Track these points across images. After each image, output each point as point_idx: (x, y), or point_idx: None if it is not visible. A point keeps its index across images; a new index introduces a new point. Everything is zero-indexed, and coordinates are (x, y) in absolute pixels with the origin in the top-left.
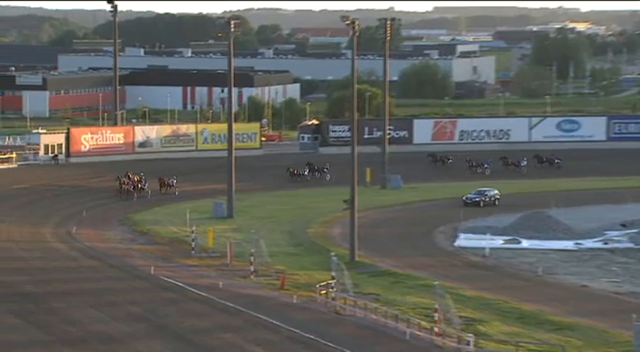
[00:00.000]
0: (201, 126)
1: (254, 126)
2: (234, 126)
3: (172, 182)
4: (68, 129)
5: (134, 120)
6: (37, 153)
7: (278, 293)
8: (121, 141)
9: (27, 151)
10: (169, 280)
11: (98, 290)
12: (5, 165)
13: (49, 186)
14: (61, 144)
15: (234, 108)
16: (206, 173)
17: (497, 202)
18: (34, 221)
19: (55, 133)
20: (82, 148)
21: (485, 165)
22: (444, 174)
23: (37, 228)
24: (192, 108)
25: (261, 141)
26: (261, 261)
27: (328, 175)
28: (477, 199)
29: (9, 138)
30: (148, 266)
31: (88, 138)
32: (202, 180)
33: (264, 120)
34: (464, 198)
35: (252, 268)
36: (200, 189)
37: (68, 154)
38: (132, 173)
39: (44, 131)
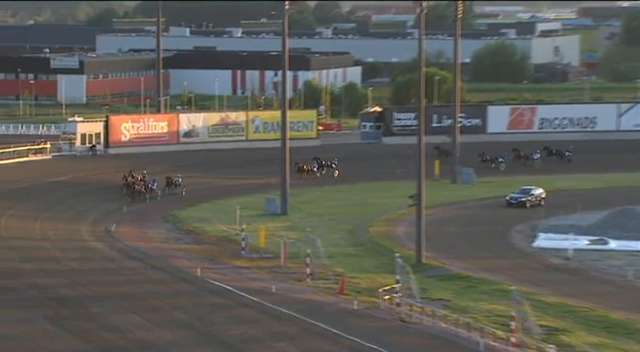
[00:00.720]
0: (252, 114)
1: (310, 114)
2: (288, 113)
3: (177, 180)
4: (107, 117)
5: (179, 107)
6: (73, 143)
7: (337, 299)
8: (165, 131)
9: (62, 141)
10: (217, 283)
11: (140, 294)
12: (39, 157)
13: (86, 180)
14: (99, 134)
15: (289, 94)
16: (257, 165)
17: (542, 202)
18: (70, 218)
19: (92, 121)
20: (122, 138)
21: (500, 160)
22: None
23: (73, 225)
24: (243, 93)
25: (319, 130)
26: (318, 262)
27: (336, 171)
28: (523, 199)
29: (43, 127)
30: (194, 267)
31: (128, 127)
32: (253, 173)
33: (322, 107)
34: (507, 198)
35: (308, 270)
36: (251, 184)
37: (107, 144)
38: (135, 171)
39: (81, 119)
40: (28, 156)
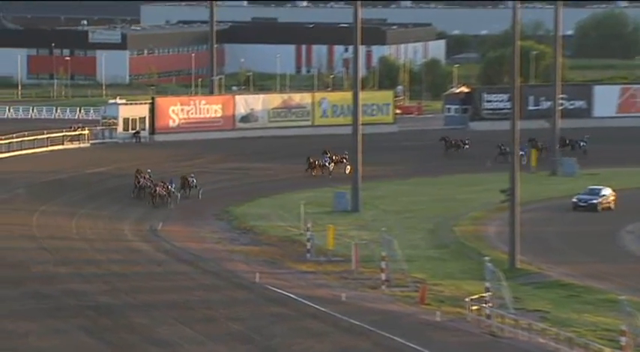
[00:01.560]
0: (319, 96)
1: (386, 96)
2: (360, 95)
3: (192, 181)
4: (153, 99)
5: (235, 88)
6: (115, 129)
7: (417, 309)
8: (219, 115)
9: (102, 127)
10: (279, 290)
11: (190, 303)
12: (75, 145)
13: (129, 171)
14: (144, 118)
15: (361, 72)
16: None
17: (612, 204)
18: (111, 215)
19: (136, 104)
20: (170, 123)
21: (522, 153)
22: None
23: (114, 223)
24: (308, 72)
25: (396, 114)
26: (395, 267)
27: (348, 166)
28: (594, 201)
29: (80, 111)
30: (252, 272)
31: (177, 111)
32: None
33: (400, 88)
34: (574, 199)
35: (383, 276)
36: (317, 176)
37: (153, 131)
38: (142, 171)
39: (123, 101)
40: (63, 144)
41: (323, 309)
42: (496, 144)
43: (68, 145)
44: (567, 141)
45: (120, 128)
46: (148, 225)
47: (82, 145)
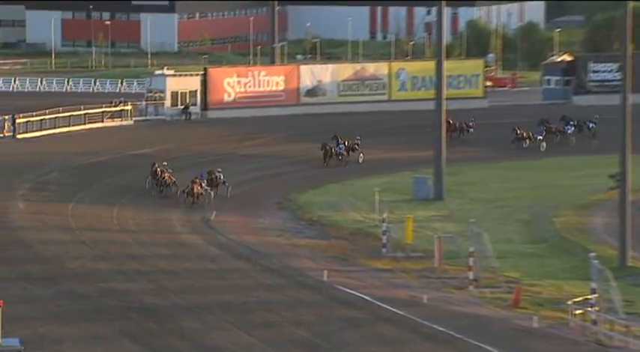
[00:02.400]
0: (396, 66)
1: (475, 65)
2: (445, 64)
3: (220, 177)
4: (205, 69)
5: (299, 57)
6: (162, 104)
7: (510, 313)
8: (281, 88)
9: (147, 102)
10: (350, 291)
11: (247, 305)
12: (117, 122)
13: (178, 153)
14: (195, 92)
15: (446, 38)
16: (403, 134)
17: None
18: (157, 203)
19: (186, 76)
20: (225, 97)
21: (539, 137)
22: None
23: (161, 213)
24: (384, 38)
25: (486, 87)
26: (485, 264)
27: (361, 155)
28: None
29: (122, 84)
30: (319, 269)
31: (233, 83)
32: (398, 144)
33: (491, 56)
34: None
35: (471, 275)
36: (394, 158)
37: (205, 106)
38: (160, 165)
39: (171, 73)
40: (103, 122)
41: (401, 313)
42: (512, 127)
43: (108, 123)
44: (573, 123)
45: (167, 103)
46: (200, 215)
47: (124, 123)
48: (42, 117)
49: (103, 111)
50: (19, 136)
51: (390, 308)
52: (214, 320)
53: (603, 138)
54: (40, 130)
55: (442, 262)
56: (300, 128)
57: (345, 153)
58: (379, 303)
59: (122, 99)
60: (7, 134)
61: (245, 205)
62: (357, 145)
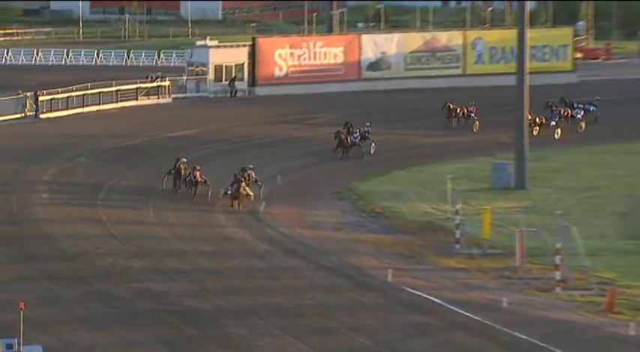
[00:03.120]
0: (472, 35)
1: (563, 35)
2: (528, 34)
3: (251, 173)
4: (254, 39)
5: (361, 25)
6: (204, 79)
7: (603, 319)
8: (339, 61)
9: (187, 77)
10: (418, 293)
11: (301, 308)
12: (153, 100)
13: (222, 134)
14: (242, 65)
15: (530, 3)
16: (481, 113)
17: None
18: (200, 192)
19: (232, 47)
20: (276, 72)
21: (552, 122)
22: None
23: (203, 203)
24: (458, 4)
25: (576, 59)
26: (575, 263)
27: (373, 144)
28: None
29: (159, 56)
30: (383, 268)
31: (284, 55)
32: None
33: (581, 24)
34: None
35: (558, 275)
36: (469, 141)
37: (253, 82)
38: (181, 162)
39: (214, 43)
40: (137, 100)
41: (477, 318)
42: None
43: (143, 101)
44: (573, 104)
45: (211, 78)
46: (247, 207)
47: (161, 101)
48: (68, 95)
49: (137, 88)
50: (42, 116)
51: (465, 313)
52: (263, 326)
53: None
54: (66, 109)
55: (524, 260)
56: (361, 106)
57: (360, 143)
58: (452, 307)
59: (159, 73)
60: (28, 113)
61: (299, 195)
62: (368, 133)
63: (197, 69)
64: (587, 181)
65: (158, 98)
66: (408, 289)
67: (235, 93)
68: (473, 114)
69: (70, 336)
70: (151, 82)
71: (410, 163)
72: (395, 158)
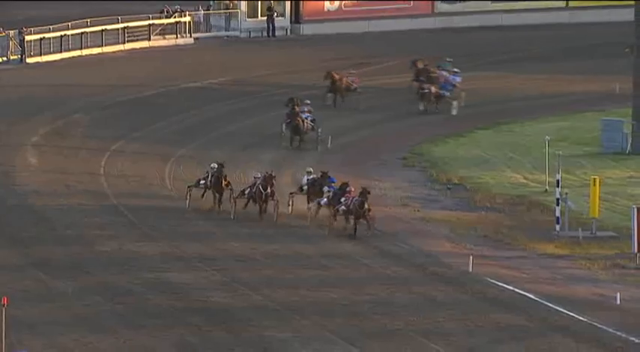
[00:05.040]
0: None
1: None
2: None
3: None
4: None
5: None
6: (235, 14)
7: None
8: None
9: (212, 11)
10: (507, 286)
11: (358, 306)
12: (170, 41)
13: (257, 85)
14: None
15: None
16: (588, 56)
17: None
18: (228, 156)
19: None
20: (326, 5)
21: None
22: None
23: (231, 170)
24: None
25: None
26: None
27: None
28: None
29: None
30: (463, 255)
31: None
32: (578, 71)
33: None
34: None
35: None
36: (572, 92)
37: (297, 18)
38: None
39: None
40: (149, 40)
41: (583, 319)
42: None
43: (157, 41)
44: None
45: (243, 13)
46: (287, 175)
47: (179, 42)
48: (62, 33)
49: (149, 25)
50: (29, 60)
51: (567, 312)
52: (310, 328)
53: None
54: (60, 52)
55: None
56: (434, 48)
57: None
58: (550, 305)
59: (178, 7)
60: (12, 57)
61: (355, 160)
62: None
63: (226, 1)
64: None
65: (176, 38)
66: (494, 282)
67: (274, 31)
68: (357, 88)
69: (66, 340)
70: (168, 17)
71: (497, 120)
72: (478, 114)
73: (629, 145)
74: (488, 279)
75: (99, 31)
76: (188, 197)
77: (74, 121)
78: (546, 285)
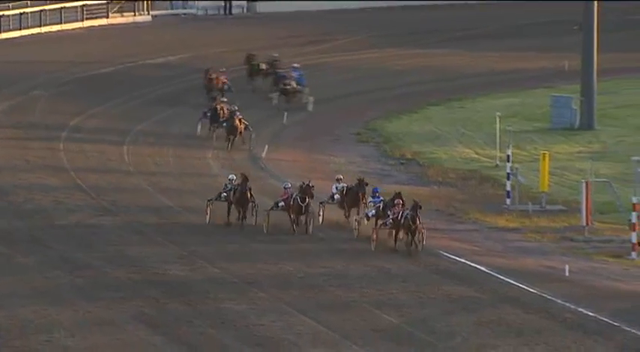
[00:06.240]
0: None
1: None
2: None
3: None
4: None
5: None
6: None
7: None
8: None
9: None
10: (458, 259)
11: (313, 278)
12: (128, 18)
13: (214, 62)
14: None
15: None
16: (535, 34)
17: None
18: (187, 133)
19: None
20: None
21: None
22: None
23: (191, 147)
24: None
25: None
26: None
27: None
28: None
29: None
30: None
31: None
32: (531, 50)
33: None
34: None
35: (633, 237)
36: (522, 69)
37: None
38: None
39: None
40: (107, 17)
41: (533, 291)
42: None
43: (115, 19)
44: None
45: None
46: (245, 152)
47: (137, 19)
48: (21, 11)
49: (107, 3)
50: None
51: (517, 284)
52: (265, 300)
53: None
54: (19, 29)
55: (592, 219)
56: (390, 27)
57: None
58: (501, 277)
59: None
60: None
61: (310, 136)
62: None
63: None
64: None
65: (134, 15)
66: (446, 254)
67: (230, 9)
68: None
69: (26, 312)
70: None
71: (449, 97)
72: (430, 91)
73: (577, 121)
74: (441, 252)
75: (58, 8)
76: (208, 211)
77: (33, 98)
78: (497, 258)
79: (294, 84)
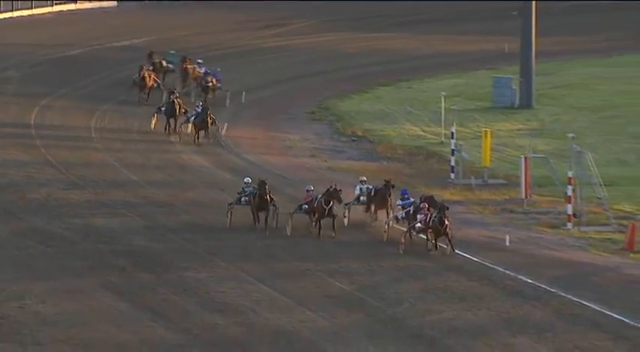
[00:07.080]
0: None
1: None
2: None
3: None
4: None
5: None
6: None
7: (622, 259)
8: None
9: None
10: (404, 229)
11: (270, 249)
12: (95, 3)
13: (177, 44)
14: None
15: None
16: (478, 18)
17: None
18: (150, 111)
19: None
20: None
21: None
22: None
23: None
24: None
25: None
26: (589, 194)
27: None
28: None
29: None
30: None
31: None
32: (474, 33)
33: None
34: None
35: (569, 209)
36: (465, 52)
37: None
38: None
39: None
40: (75, 3)
41: (475, 259)
42: None
43: (83, 4)
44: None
45: None
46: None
47: (104, 4)
48: None
49: None
50: None
51: (461, 253)
52: (226, 269)
53: None
54: None
55: (530, 192)
56: (343, 13)
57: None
58: (445, 246)
59: None
60: None
61: (267, 115)
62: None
63: None
64: (603, 99)
65: (100, 1)
66: (394, 226)
67: None
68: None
69: None
70: None
71: (397, 78)
72: (380, 72)
73: (517, 100)
74: (390, 224)
75: None
76: (229, 215)
77: (5, 78)
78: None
79: (214, 81)
